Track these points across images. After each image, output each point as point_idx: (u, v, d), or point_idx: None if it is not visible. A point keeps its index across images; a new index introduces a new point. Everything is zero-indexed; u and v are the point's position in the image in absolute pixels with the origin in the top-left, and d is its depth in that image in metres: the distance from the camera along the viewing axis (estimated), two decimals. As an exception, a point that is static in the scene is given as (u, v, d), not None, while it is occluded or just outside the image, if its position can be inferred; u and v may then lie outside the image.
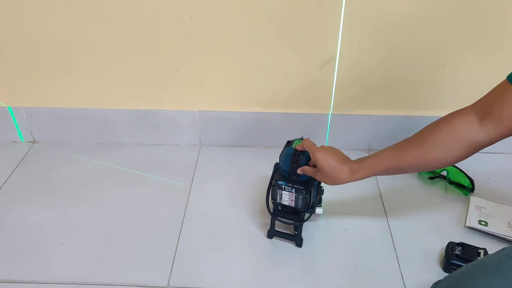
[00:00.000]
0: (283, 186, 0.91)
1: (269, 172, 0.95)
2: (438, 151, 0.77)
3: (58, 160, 1.22)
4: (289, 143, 0.94)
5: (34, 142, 1.29)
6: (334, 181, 0.85)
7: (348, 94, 1.17)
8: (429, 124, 0.80)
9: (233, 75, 1.15)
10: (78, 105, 1.21)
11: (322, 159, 0.84)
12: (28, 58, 1.14)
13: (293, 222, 0.95)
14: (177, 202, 1.08)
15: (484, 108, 0.73)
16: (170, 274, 0.90)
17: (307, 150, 0.88)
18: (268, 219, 1.02)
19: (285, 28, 1.06)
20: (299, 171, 0.89)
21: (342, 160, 0.85)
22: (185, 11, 1.05)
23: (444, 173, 1.13)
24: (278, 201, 0.93)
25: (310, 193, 0.90)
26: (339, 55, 1.10)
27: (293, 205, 0.92)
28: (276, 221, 0.96)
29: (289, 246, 0.96)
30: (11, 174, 1.17)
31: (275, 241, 0.98)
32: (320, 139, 1.23)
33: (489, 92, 0.74)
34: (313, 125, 1.21)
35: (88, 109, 1.22)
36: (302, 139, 0.94)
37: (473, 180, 1.10)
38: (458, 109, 0.77)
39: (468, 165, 1.13)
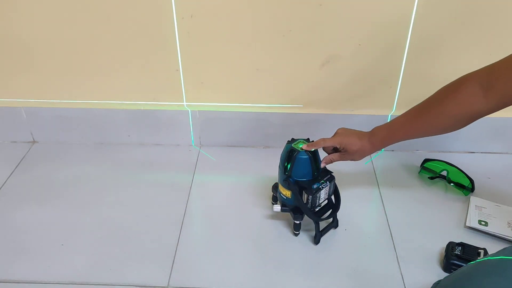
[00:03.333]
0: (320, 187, 0.91)
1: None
2: (447, 121, 0.83)
3: (58, 160, 1.22)
4: (294, 150, 0.91)
5: (34, 142, 1.29)
6: (361, 156, 0.94)
7: (348, 93, 1.17)
8: (435, 94, 0.84)
9: (233, 75, 1.15)
10: (78, 105, 1.21)
11: (349, 143, 0.92)
12: (27, 58, 1.14)
13: (331, 213, 0.97)
14: (177, 202, 1.08)
15: (489, 80, 0.75)
16: (170, 274, 0.90)
17: (330, 145, 0.93)
18: (268, 218, 1.02)
19: (285, 28, 1.06)
20: (323, 164, 0.93)
21: (361, 136, 0.92)
22: (185, 11, 1.05)
23: (444, 173, 1.13)
24: (317, 203, 0.94)
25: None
26: (339, 55, 1.10)
27: (327, 196, 0.95)
28: (323, 220, 0.96)
29: (289, 246, 0.96)
30: (11, 174, 1.17)
31: (275, 241, 0.98)
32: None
33: (496, 64, 0.75)
34: (313, 124, 1.21)
35: (88, 109, 1.22)
36: (302, 140, 0.93)
37: (473, 180, 1.10)
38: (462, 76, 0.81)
39: (468, 165, 1.13)
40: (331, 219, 0.98)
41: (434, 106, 0.83)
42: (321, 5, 1.02)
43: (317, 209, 0.95)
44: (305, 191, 0.90)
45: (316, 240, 0.96)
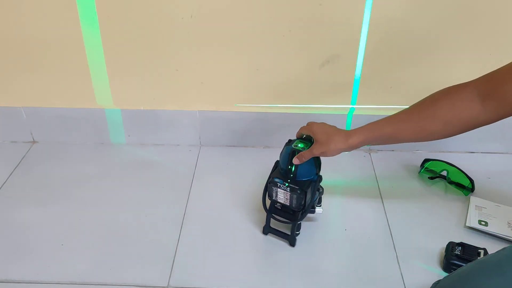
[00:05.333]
0: (279, 184, 0.90)
1: (269, 172, 0.95)
2: (437, 126, 0.77)
3: (58, 160, 1.22)
4: (290, 142, 0.93)
5: (34, 142, 1.29)
6: (330, 147, 0.85)
7: (349, 94, 1.17)
8: (428, 97, 0.79)
9: (233, 75, 1.15)
10: (78, 105, 1.21)
11: (318, 129, 0.87)
12: (27, 58, 1.14)
13: (287, 220, 0.94)
14: (177, 202, 1.08)
15: (488, 88, 0.72)
16: (170, 274, 0.90)
17: (307, 132, 0.89)
18: (268, 219, 1.02)
19: (285, 28, 1.06)
20: (295, 160, 0.87)
21: (336, 129, 0.87)
22: (185, 11, 1.05)
23: (444, 173, 1.13)
24: (274, 198, 0.93)
25: (305, 194, 0.89)
26: (339, 55, 1.10)
27: (288, 203, 0.92)
28: (274, 219, 0.96)
29: (289, 246, 0.96)
30: (11, 174, 1.17)
31: (276, 241, 0.98)
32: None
33: (494, 72, 0.72)
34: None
35: (88, 109, 1.22)
36: (298, 140, 0.93)
37: (473, 180, 1.09)
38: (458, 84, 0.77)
39: (468, 165, 1.13)
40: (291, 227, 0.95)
41: (426, 108, 0.78)
42: (321, 4, 1.02)
43: (276, 204, 0.94)
44: (271, 175, 0.92)
45: (263, 230, 0.98)
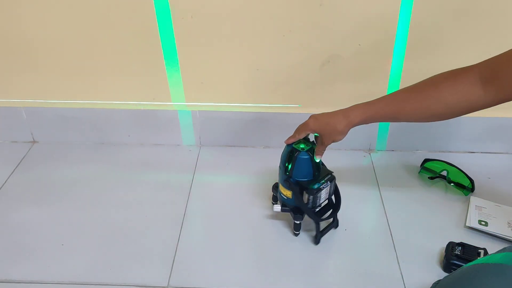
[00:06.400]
0: (321, 187, 0.90)
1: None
2: (439, 107, 0.78)
3: (58, 160, 1.22)
4: (294, 150, 0.91)
5: (34, 142, 1.29)
6: (335, 131, 0.87)
7: (349, 94, 1.17)
8: (430, 78, 0.80)
9: (233, 75, 1.15)
10: (78, 104, 1.21)
11: (315, 123, 0.88)
12: (28, 58, 1.14)
13: (331, 211, 0.96)
14: (177, 202, 1.08)
15: (490, 72, 0.72)
16: (170, 274, 0.90)
17: (305, 131, 0.90)
18: (268, 218, 1.02)
19: (285, 28, 1.06)
20: (318, 157, 0.90)
21: (330, 114, 0.88)
22: (185, 11, 1.05)
23: (444, 173, 1.13)
24: (318, 203, 0.93)
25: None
26: (339, 55, 1.10)
27: (328, 196, 0.94)
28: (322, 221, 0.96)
29: (289, 246, 0.96)
30: (11, 174, 1.17)
31: (275, 241, 0.98)
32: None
33: (496, 57, 0.73)
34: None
35: (88, 109, 1.22)
36: (302, 140, 0.93)
37: (473, 180, 1.09)
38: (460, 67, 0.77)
39: (468, 165, 1.13)
40: (331, 219, 0.98)
41: (428, 89, 0.79)
42: (321, 5, 1.02)
43: (317, 209, 0.95)
44: (306, 191, 0.90)
45: (317, 240, 0.96)
